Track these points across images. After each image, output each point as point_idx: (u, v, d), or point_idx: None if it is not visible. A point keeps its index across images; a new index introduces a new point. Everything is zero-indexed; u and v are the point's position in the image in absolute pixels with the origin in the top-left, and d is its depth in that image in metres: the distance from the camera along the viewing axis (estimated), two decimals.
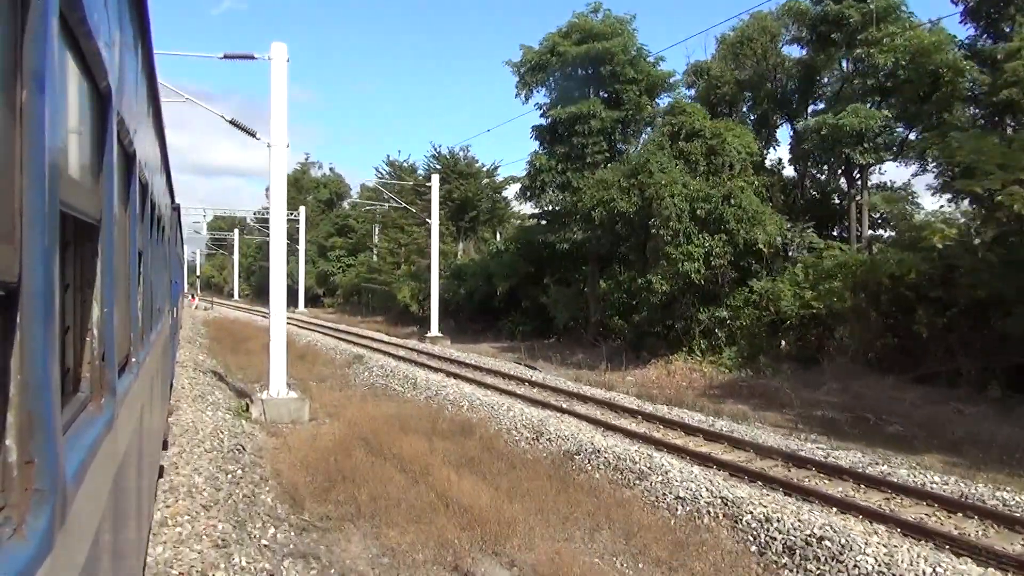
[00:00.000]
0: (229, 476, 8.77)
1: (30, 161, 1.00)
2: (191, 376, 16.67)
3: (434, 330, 29.85)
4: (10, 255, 0.97)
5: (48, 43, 1.06)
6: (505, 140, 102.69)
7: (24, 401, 1.01)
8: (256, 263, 77.77)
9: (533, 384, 17.30)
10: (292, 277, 60.20)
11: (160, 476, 7.93)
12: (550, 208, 28.34)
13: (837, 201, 26.16)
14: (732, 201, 20.67)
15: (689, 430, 12.27)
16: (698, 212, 20.76)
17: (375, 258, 52.36)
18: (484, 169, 45.43)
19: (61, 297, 1.36)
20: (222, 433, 10.91)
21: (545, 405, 14.43)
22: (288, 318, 41.21)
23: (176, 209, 12.13)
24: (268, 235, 64.99)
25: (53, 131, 1.11)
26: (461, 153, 45.45)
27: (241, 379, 17.65)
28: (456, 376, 18.38)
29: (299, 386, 15.20)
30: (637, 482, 9.22)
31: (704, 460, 10.30)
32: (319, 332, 32.60)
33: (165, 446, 9.29)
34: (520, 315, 31.81)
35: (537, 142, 28.86)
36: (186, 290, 42.87)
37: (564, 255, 29.35)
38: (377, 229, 55.27)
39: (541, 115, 28.39)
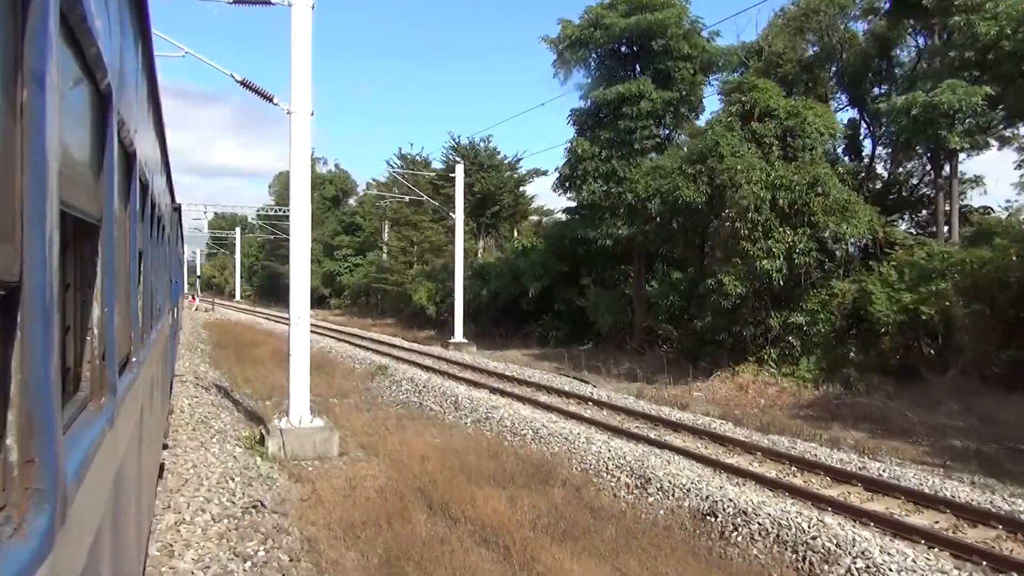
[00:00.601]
0: (248, 564, 6.82)
1: (31, 161, 1.07)
2: (192, 394, 15.45)
3: (458, 335, 29.34)
4: (11, 255, 1.04)
5: (49, 43, 1.12)
6: (526, 132, 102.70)
7: (25, 400, 1.07)
8: (259, 262, 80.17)
9: (599, 404, 15.97)
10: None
11: (160, 475, 8.18)
12: (592, 200, 27.01)
13: (923, 192, 25.00)
14: (819, 189, 19.36)
15: (838, 475, 10.42)
16: (780, 202, 19.51)
17: (385, 256, 52.74)
18: (506, 161, 45.10)
19: (61, 297, 1.44)
20: (232, 480, 9.36)
21: (630, 435, 12.87)
22: (288, 320, 41.75)
23: (176, 209, 12.52)
24: (272, 234, 58.68)
25: (54, 131, 1.17)
26: (482, 144, 44.77)
27: (250, 395, 16.71)
28: (502, 393, 17.17)
29: (320, 406, 14.05)
30: (827, 568, 7.26)
31: (900, 530, 8.18)
32: (331, 337, 32.18)
33: (165, 445, 9.61)
34: (553, 319, 31.40)
35: (575, 127, 27.91)
36: (186, 290, 43.31)
37: (602, 253, 28.39)
38: (387, 227, 55.51)
39: (581, 97, 27.61)
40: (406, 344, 29.76)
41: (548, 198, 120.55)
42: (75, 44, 1.51)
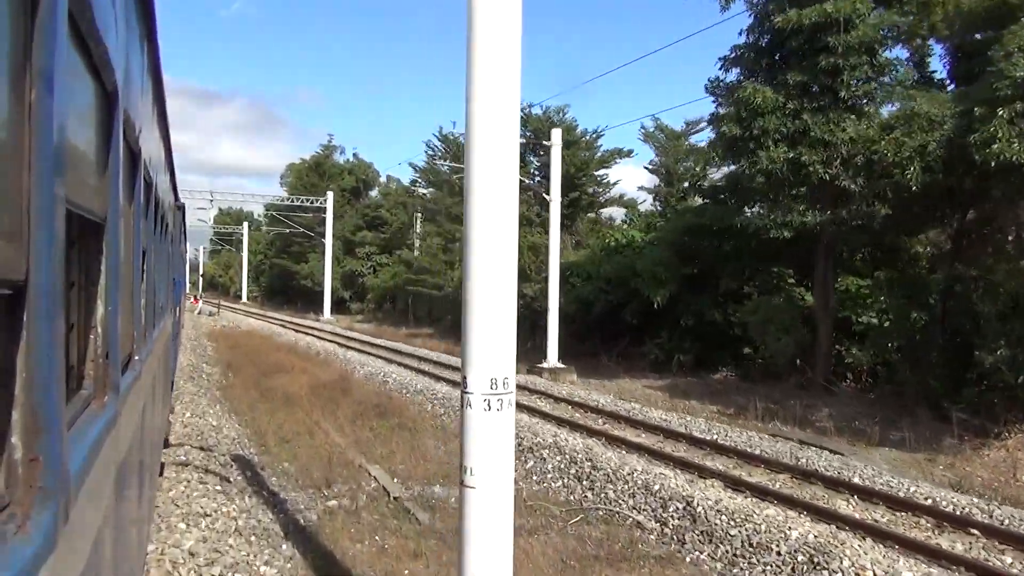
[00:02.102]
0: None
1: (38, 159, 1.07)
2: (199, 495, 8.27)
3: (552, 358, 22.01)
4: (17, 253, 1.03)
5: (57, 43, 1.13)
6: (589, 106, 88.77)
7: (29, 398, 1.07)
8: (267, 261, 73.23)
9: (915, 509, 8.92)
10: (314, 279, 55.80)
11: (161, 474, 8.21)
12: (771, 170, 17.56)
13: None
14: None
15: None
16: None
17: (417, 253, 45.81)
18: (585, 138, 35.96)
19: (66, 295, 1.46)
20: None
21: None
22: (314, 329, 35.81)
23: (180, 208, 12.61)
24: (288, 227, 53.34)
25: (61, 130, 1.17)
26: (556, 116, 35.12)
27: (296, 479, 9.63)
28: (724, 480, 10.08)
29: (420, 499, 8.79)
30: None
31: None
32: (371, 354, 25.65)
33: (166, 444, 9.62)
34: (677, 336, 23.50)
35: (740, 72, 19.86)
36: (187, 290, 39.31)
37: (758, 249, 20.78)
38: (419, 220, 49.17)
39: (748, 30, 19.44)
40: None
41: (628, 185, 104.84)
42: (82, 44, 1.51)
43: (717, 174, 26.78)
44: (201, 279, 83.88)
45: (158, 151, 4.42)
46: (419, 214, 49.48)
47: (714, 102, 21.00)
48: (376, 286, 50.45)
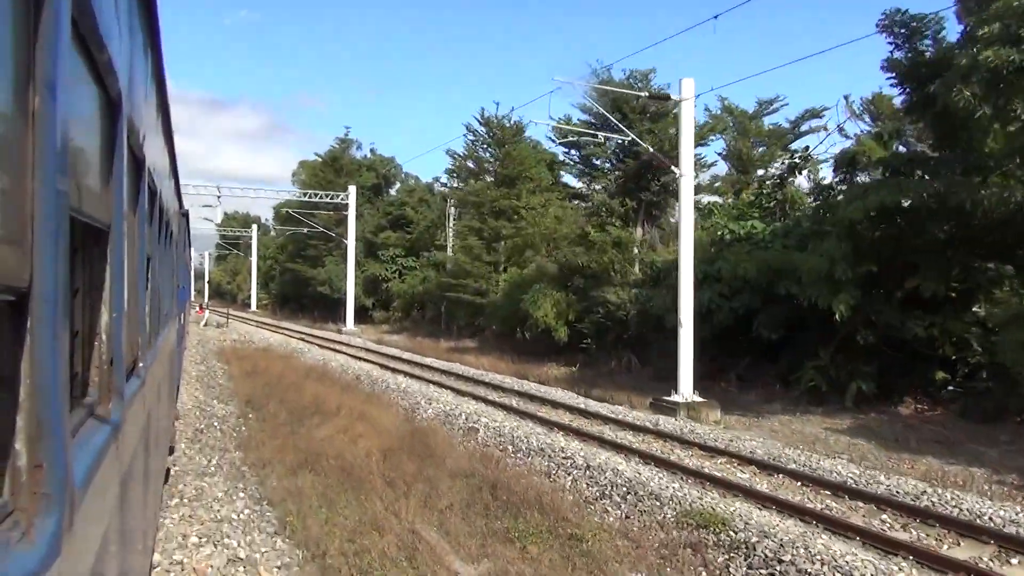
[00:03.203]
0: None
1: (41, 166, 1.07)
2: None
3: (686, 389, 16.61)
4: (21, 260, 1.04)
5: (60, 49, 1.13)
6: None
7: (33, 405, 1.07)
8: (277, 266, 67.95)
9: None
10: (332, 285, 49.68)
11: (166, 481, 8.23)
12: None
13: None
14: None
15: None
16: None
17: (451, 254, 40.41)
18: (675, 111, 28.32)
19: (70, 302, 1.47)
20: None
21: None
22: (341, 344, 32.28)
23: (184, 214, 12.70)
24: (305, 226, 48.54)
25: (64, 137, 1.18)
26: (636, 82, 28.63)
27: None
28: None
29: None
30: None
31: None
32: (432, 381, 20.22)
33: (171, 450, 9.63)
34: (852, 358, 17.15)
35: None
36: (192, 298, 36.09)
37: (967, 240, 15.85)
38: (452, 216, 43.07)
39: None
40: (575, 402, 16.98)
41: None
42: (86, 50, 1.52)
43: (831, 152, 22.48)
44: (207, 286, 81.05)
45: (162, 158, 4.44)
46: (453, 210, 43.12)
47: (890, 42, 16.25)
48: (403, 292, 45.25)
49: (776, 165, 30.53)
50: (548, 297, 26.87)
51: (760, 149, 31.73)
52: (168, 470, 8.67)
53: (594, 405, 16.92)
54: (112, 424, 1.91)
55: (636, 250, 27.18)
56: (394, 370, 22.73)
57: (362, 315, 46.29)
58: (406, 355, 27.82)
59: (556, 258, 30.37)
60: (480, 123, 37.67)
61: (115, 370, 2.01)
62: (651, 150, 17.50)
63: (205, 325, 40.53)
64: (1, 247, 1.00)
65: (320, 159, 58.59)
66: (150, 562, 4.41)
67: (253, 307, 69.11)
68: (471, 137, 38.55)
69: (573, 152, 33.32)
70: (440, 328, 39.26)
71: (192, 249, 32.33)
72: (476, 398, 17.56)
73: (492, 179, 36.88)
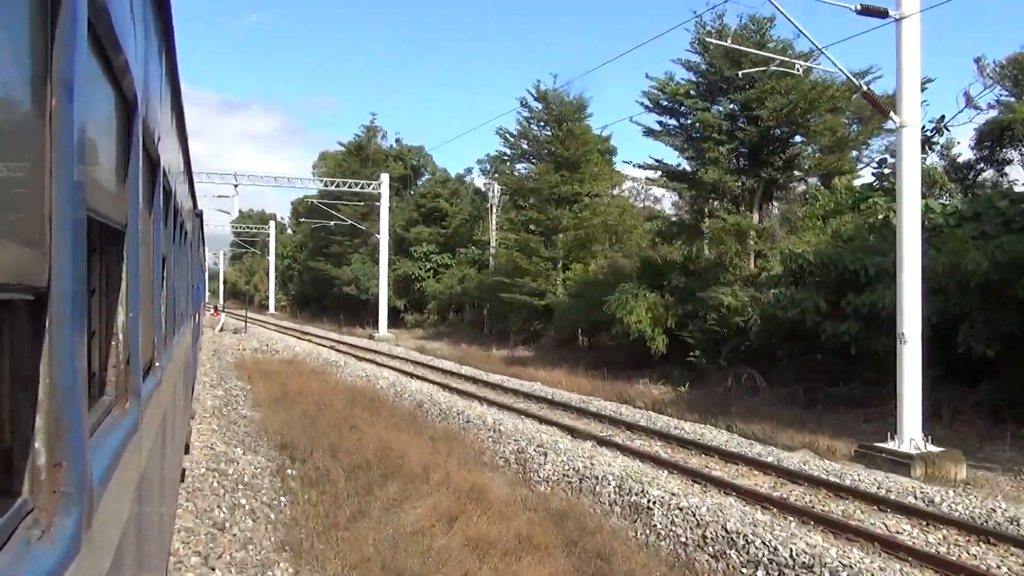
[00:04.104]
0: None
1: (59, 168, 1.08)
2: None
3: (913, 431, 11.97)
4: (40, 261, 1.05)
5: (77, 51, 1.13)
6: None
7: (52, 404, 1.08)
8: (295, 265, 63.50)
9: None
10: (359, 285, 45.65)
11: (182, 479, 8.30)
12: None
13: None
14: None
15: None
16: None
17: (495, 250, 36.43)
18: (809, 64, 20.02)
19: (87, 302, 1.47)
20: None
21: None
22: (378, 353, 28.03)
23: (199, 215, 12.80)
24: (332, 218, 44.50)
25: (81, 138, 1.19)
26: (752, 31, 22.80)
27: None
28: None
29: None
30: None
31: None
32: (511, 409, 15.83)
33: (187, 449, 9.70)
34: None
35: None
36: (206, 299, 34.34)
37: None
38: (496, 207, 38.20)
39: None
40: (738, 447, 12.62)
41: None
42: (102, 52, 1.53)
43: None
44: (222, 287, 77.18)
45: (176, 159, 4.47)
46: (496, 199, 38.12)
47: None
48: (438, 293, 40.88)
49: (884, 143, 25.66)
50: (641, 299, 22.00)
51: (853, 127, 24.94)
52: (184, 469, 8.74)
53: (765, 452, 12.36)
54: (129, 423, 1.92)
55: (753, 241, 22.48)
56: (461, 392, 18.11)
57: (393, 318, 42.54)
58: (463, 369, 23.55)
59: (635, 253, 26.81)
60: (535, 98, 32.72)
61: (132, 369, 2.02)
62: (863, 87, 12.95)
63: (221, 330, 36.98)
64: (20, 248, 1.01)
65: (344, 148, 54.34)
66: (167, 560, 4.45)
67: (271, 309, 65.30)
68: (525, 114, 33.54)
69: (670, 122, 25.72)
70: (483, 332, 35.13)
71: (206, 248, 31.65)
72: (602, 442, 12.75)
73: (549, 163, 31.93)
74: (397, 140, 55.16)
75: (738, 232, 21.93)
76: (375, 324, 39.51)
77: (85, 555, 1.19)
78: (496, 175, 40.25)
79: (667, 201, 40.37)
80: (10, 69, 0.99)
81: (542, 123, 33.47)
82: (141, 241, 2.19)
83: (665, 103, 25.12)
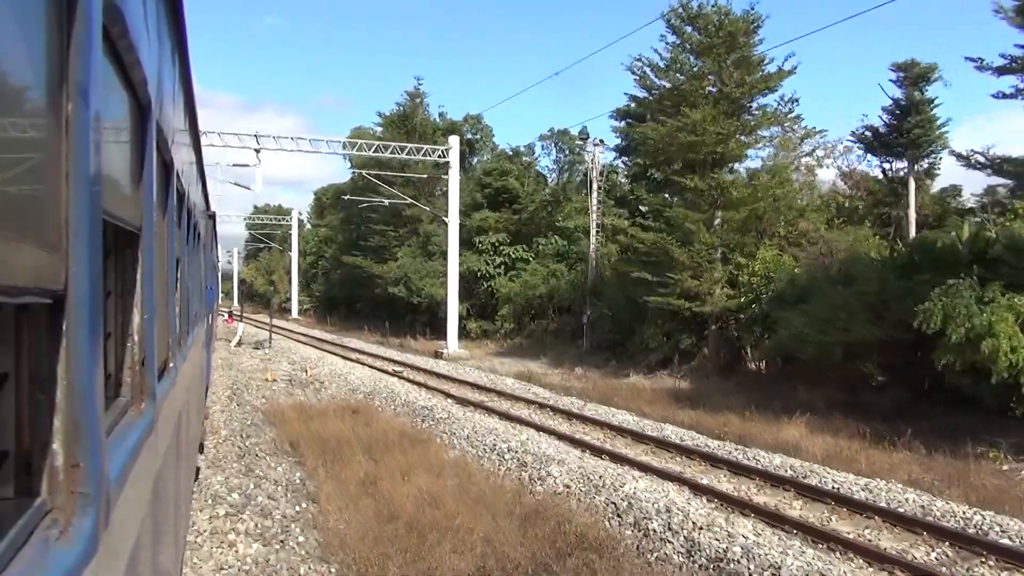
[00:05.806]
0: None
1: (75, 171, 1.09)
2: None
3: None
4: (57, 263, 1.06)
5: (92, 56, 1.15)
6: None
7: (70, 406, 1.09)
8: (326, 261, 52.91)
9: None
10: (409, 285, 36.25)
11: (196, 479, 8.37)
12: None
13: None
14: None
15: None
16: None
17: (596, 240, 28.19)
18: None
19: (103, 304, 1.49)
20: None
21: None
22: (469, 386, 17.18)
23: (212, 217, 12.87)
24: (366, 202, 35.21)
25: (97, 141, 1.20)
26: None
27: None
28: None
29: None
30: None
31: None
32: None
33: (201, 449, 9.77)
34: None
35: None
36: (219, 302, 29.27)
37: None
38: (597, 180, 28.38)
39: None
40: None
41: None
42: (117, 57, 1.54)
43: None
44: (236, 289, 69.67)
45: (190, 161, 4.50)
46: (597, 171, 28.60)
47: None
48: (514, 295, 31.65)
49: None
50: (1000, 308, 13.01)
51: None
52: (198, 468, 8.81)
53: None
54: (145, 424, 1.94)
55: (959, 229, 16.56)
56: (722, 499, 9.21)
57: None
58: (630, 422, 14.35)
59: (788, 237, 19.97)
60: (682, 17, 22.60)
61: (147, 371, 2.03)
62: None
63: (239, 344, 27.75)
64: (37, 251, 1.02)
65: (384, 120, 43.24)
66: (182, 558, 4.49)
67: (294, 313, 54.45)
68: (672, 39, 22.99)
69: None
70: (582, 347, 26.61)
71: (220, 247, 30.06)
72: None
73: (709, 107, 21.75)
74: (440, 114, 44.29)
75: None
76: (433, 333, 31.37)
77: (103, 555, 1.20)
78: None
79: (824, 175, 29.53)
80: (26, 74, 1.00)
81: (694, 54, 23.04)
82: (155, 243, 2.20)
83: None
